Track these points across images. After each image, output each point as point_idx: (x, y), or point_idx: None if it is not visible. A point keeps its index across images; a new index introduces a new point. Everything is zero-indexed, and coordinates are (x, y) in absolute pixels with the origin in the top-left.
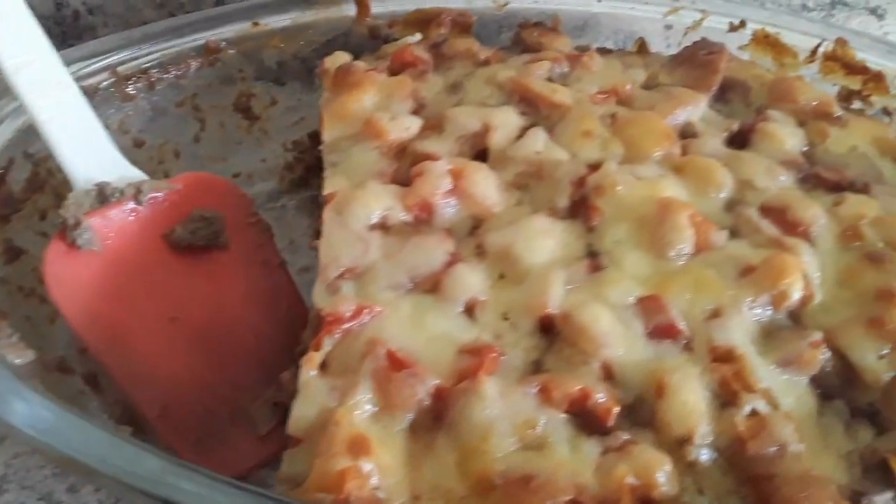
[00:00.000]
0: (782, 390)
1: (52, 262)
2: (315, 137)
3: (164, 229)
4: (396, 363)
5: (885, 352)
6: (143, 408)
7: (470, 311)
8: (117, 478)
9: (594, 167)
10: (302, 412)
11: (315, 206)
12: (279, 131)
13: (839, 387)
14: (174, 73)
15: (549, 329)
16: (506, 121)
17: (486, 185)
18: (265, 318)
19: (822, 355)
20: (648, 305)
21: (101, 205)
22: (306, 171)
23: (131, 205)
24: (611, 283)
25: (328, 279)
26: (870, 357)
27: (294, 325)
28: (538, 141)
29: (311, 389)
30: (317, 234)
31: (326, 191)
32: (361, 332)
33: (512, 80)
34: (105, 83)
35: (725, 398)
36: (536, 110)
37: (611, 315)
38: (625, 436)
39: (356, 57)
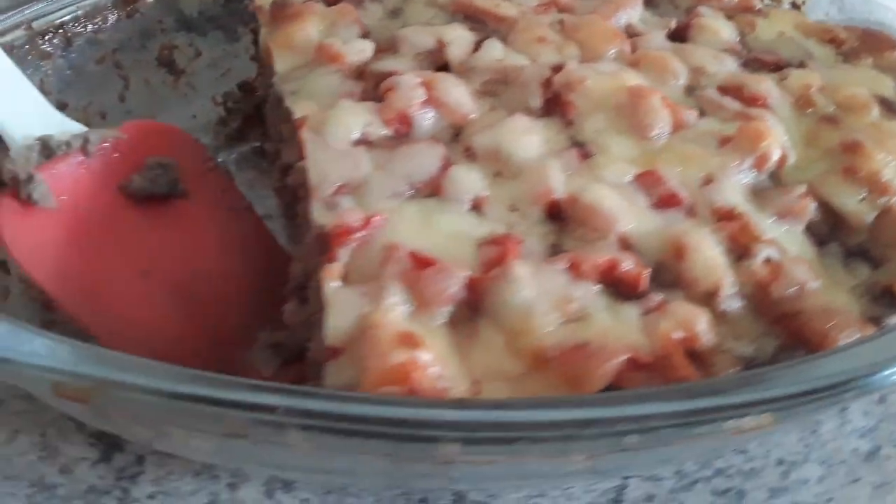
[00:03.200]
0: (785, 240)
1: (8, 222)
2: (246, 88)
3: (117, 181)
4: (421, 262)
5: (863, 196)
6: None
7: (477, 207)
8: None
9: (556, 69)
10: (337, 322)
11: (260, 158)
12: (207, 85)
13: (830, 233)
14: (91, 27)
15: (558, 214)
16: (458, 36)
17: (459, 93)
18: (241, 263)
19: (812, 204)
20: (647, 180)
21: (47, 159)
22: (243, 123)
23: (80, 157)
24: (603, 166)
25: (323, 196)
26: (851, 202)
27: (272, 267)
28: (496, 50)
29: (339, 300)
30: (280, 177)
31: (297, 115)
32: (375, 240)
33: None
34: (20, 41)
35: (738, 252)
36: (483, 25)
37: (614, 193)
38: (658, 296)
39: None
